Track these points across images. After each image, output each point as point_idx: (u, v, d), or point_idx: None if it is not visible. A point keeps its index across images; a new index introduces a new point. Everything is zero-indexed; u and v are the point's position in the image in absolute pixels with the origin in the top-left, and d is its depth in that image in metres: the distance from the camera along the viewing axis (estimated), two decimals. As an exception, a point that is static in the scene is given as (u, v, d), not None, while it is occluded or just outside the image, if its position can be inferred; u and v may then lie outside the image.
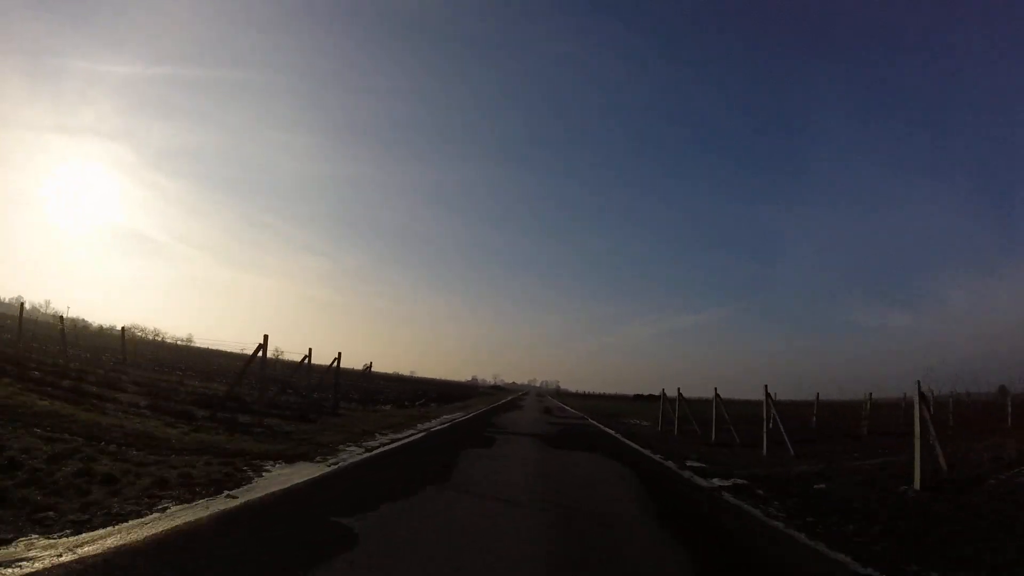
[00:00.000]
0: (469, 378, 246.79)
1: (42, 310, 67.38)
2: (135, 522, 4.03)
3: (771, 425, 13.52)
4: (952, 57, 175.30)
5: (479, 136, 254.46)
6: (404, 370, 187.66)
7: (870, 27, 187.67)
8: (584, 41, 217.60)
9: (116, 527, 3.88)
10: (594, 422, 22.79)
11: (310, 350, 15.36)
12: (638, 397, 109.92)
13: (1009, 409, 16.10)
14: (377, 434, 10.88)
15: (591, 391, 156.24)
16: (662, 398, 20.88)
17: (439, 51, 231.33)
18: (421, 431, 12.75)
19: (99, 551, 3.35)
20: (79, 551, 3.31)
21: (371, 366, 19.34)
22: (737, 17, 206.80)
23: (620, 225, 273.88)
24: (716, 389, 18.44)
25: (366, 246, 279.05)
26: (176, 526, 4.00)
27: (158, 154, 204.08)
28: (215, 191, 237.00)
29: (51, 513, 3.99)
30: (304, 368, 16.38)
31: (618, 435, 16.99)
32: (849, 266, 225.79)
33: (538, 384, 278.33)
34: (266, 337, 12.21)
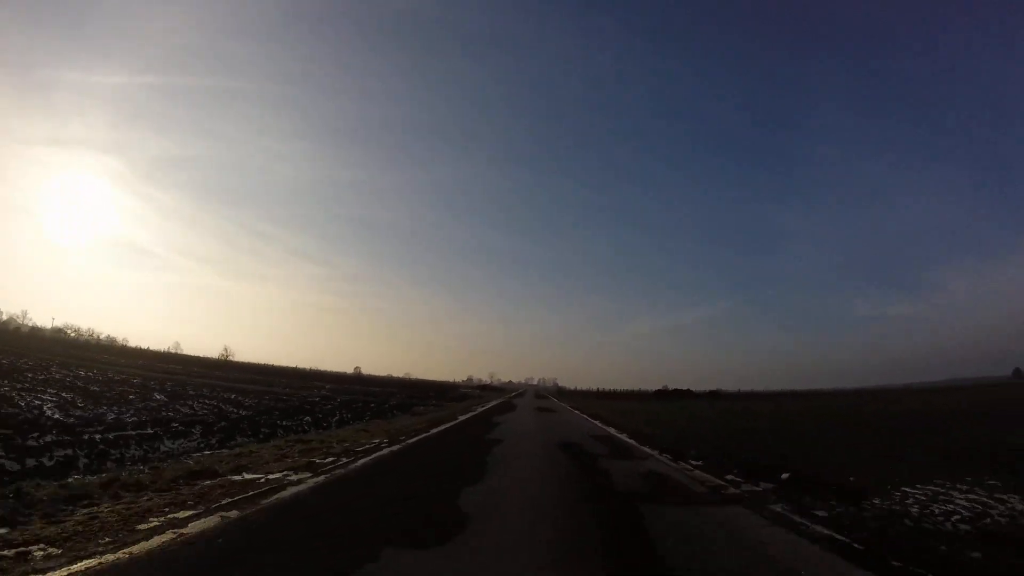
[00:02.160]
0: (465, 378, 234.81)
1: (18, 320, 70.90)
2: None
3: None
4: (951, 49, 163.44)
5: (476, 136, 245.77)
6: (399, 372, 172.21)
7: (869, 21, 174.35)
8: (582, 39, 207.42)
9: None
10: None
11: None
12: (661, 394, 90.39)
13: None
14: None
15: (596, 388, 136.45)
16: None
17: (433, 52, 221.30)
18: None
19: None
20: None
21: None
22: (736, 13, 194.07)
23: (619, 221, 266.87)
24: None
25: (364, 249, 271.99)
26: None
27: (151, 165, 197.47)
28: (210, 201, 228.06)
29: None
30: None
31: None
32: (850, 258, 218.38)
33: (535, 382, 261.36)
34: None
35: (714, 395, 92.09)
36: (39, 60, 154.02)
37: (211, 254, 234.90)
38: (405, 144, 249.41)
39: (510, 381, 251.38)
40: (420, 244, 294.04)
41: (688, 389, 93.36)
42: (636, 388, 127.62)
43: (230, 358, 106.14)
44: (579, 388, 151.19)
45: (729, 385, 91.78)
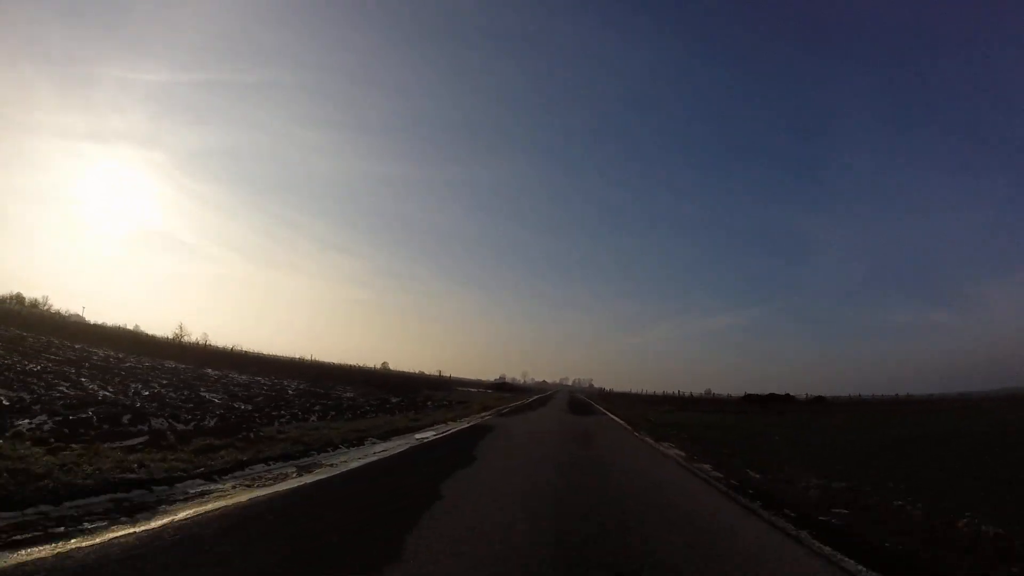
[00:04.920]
0: (497, 377, 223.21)
1: (41, 305, 67.01)
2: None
3: None
4: (989, 56, 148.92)
5: (509, 132, 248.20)
6: (431, 368, 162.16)
7: (906, 27, 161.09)
8: (616, 37, 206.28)
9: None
10: None
11: None
12: (750, 399, 63.13)
13: None
14: None
15: (674, 392, 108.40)
16: None
17: (469, 47, 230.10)
18: None
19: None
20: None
21: None
22: (772, 18, 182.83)
23: (650, 224, 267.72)
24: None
25: (397, 244, 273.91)
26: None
27: (190, 158, 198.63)
28: (248, 192, 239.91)
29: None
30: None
31: None
32: (884, 267, 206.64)
33: (570, 383, 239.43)
34: None
35: (820, 402, 64.29)
36: (80, 56, 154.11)
37: (246, 244, 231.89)
38: (439, 140, 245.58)
39: (544, 381, 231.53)
40: (452, 240, 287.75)
41: (788, 394, 65.42)
42: (678, 391, 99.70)
43: (183, 338, 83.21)
44: (614, 390, 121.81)
45: (760, 390, 67.44)
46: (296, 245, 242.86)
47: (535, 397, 51.63)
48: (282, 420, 12.62)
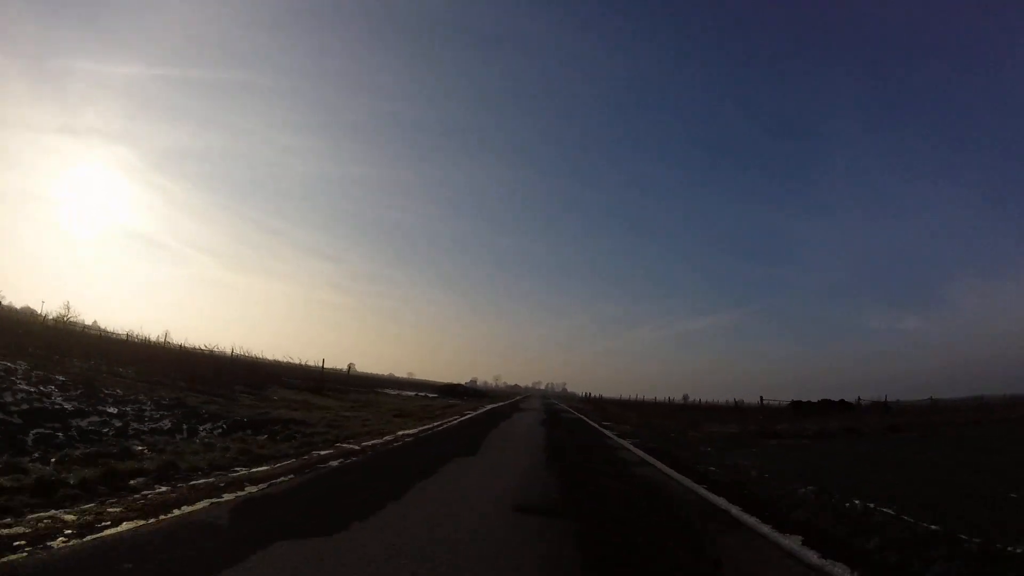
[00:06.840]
0: (469, 380, 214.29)
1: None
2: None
3: None
4: (965, 61, 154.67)
5: (486, 136, 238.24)
6: (402, 372, 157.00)
7: (884, 32, 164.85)
8: (594, 40, 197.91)
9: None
10: None
11: None
12: (800, 406, 46.35)
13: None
14: None
15: (635, 397, 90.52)
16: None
17: (445, 49, 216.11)
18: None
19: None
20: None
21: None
22: (751, 20, 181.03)
23: (628, 227, 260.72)
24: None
25: (372, 248, 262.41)
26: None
27: (163, 156, 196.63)
28: (220, 194, 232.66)
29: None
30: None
31: None
32: (861, 270, 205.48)
33: (543, 387, 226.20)
34: None
35: (885, 409, 47.75)
36: (52, 49, 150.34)
37: (221, 247, 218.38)
38: (415, 142, 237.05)
39: (516, 385, 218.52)
40: (428, 243, 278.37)
41: (842, 400, 48.82)
42: (641, 397, 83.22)
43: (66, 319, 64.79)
44: (601, 396, 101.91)
45: (739, 396, 52.26)
46: (270, 247, 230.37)
47: (487, 409, 32.25)
48: None
